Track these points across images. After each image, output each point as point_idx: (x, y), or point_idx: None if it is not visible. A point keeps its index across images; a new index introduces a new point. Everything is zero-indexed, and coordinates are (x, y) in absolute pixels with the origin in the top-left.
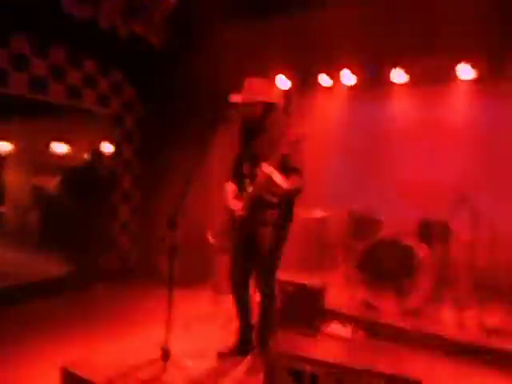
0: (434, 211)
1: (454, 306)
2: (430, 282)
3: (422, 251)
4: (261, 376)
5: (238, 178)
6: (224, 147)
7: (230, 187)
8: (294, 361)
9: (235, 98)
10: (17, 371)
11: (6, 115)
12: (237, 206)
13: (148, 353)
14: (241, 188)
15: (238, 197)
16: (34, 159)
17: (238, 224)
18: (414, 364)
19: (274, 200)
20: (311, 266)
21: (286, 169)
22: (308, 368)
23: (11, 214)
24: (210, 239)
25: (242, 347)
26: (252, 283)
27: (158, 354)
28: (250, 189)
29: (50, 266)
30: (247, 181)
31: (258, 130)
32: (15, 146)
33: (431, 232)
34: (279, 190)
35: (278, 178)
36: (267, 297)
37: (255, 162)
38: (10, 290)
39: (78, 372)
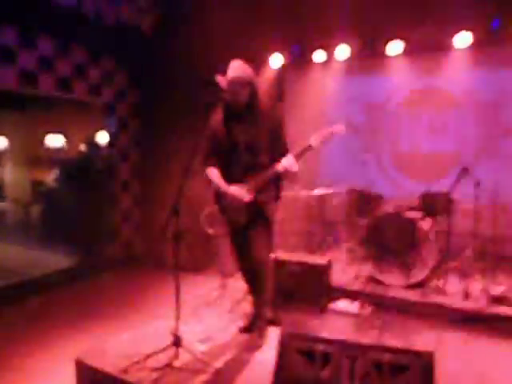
0: (436, 183)
1: (459, 277)
2: (435, 254)
3: (425, 224)
4: (267, 354)
5: (224, 162)
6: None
7: (215, 172)
8: (305, 341)
9: (221, 79)
10: (32, 364)
11: None
12: (240, 192)
13: (159, 340)
14: (228, 173)
15: (230, 180)
16: (31, 153)
17: (242, 207)
18: (423, 335)
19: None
20: (314, 245)
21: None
22: (320, 347)
23: (12, 209)
24: (206, 228)
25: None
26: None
27: (169, 340)
28: (257, 173)
29: (55, 259)
30: (247, 165)
31: (248, 115)
32: (10, 140)
33: (434, 204)
34: (293, 179)
35: (296, 168)
36: (263, 268)
37: (256, 149)
38: (17, 285)
39: (92, 362)
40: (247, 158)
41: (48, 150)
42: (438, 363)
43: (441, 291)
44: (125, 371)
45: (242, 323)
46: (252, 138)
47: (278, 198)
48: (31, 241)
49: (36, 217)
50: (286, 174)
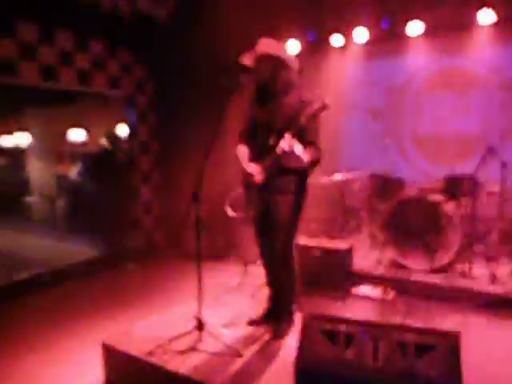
0: (459, 166)
1: (484, 260)
2: (459, 238)
3: (449, 206)
4: (289, 339)
5: (251, 142)
6: (238, 116)
7: (243, 150)
8: (328, 322)
9: (245, 59)
10: (59, 348)
11: (19, 106)
12: (254, 168)
13: (183, 324)
14: (254, 152)
15: (252, 160)
16: (54, 148)
17: (256, 190)
18: (448, 318)
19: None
20: (336, 230)
21: (302, 141)
22: (343, 328)
23: (39, 203)
24: (229, 212)
25: (272, 313)
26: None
27: (192, 325)
28: (267, 156)
29: (80, 250)
30: (263, 147)
31: (272, 93)
32: (33, 136)
33: (458, 187)
34: (299, 164)
35: (299, 150)
36: (285, 262)
37: (271, 129)
38: (45, 274)
39: (118, 346)
40: (264, 138)
41: (71, 144)
42: (463, 346)
43: (466, 275)
44: (150, 354)
45: (253, 315)
46: (269, 117)
47: (298, 189)
48: (57, 233)
49: (61, 210)
50: (289, 157)
